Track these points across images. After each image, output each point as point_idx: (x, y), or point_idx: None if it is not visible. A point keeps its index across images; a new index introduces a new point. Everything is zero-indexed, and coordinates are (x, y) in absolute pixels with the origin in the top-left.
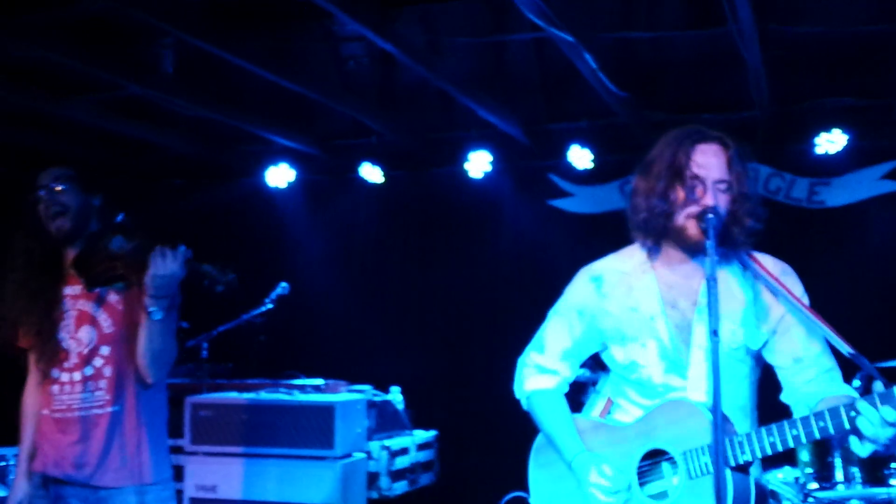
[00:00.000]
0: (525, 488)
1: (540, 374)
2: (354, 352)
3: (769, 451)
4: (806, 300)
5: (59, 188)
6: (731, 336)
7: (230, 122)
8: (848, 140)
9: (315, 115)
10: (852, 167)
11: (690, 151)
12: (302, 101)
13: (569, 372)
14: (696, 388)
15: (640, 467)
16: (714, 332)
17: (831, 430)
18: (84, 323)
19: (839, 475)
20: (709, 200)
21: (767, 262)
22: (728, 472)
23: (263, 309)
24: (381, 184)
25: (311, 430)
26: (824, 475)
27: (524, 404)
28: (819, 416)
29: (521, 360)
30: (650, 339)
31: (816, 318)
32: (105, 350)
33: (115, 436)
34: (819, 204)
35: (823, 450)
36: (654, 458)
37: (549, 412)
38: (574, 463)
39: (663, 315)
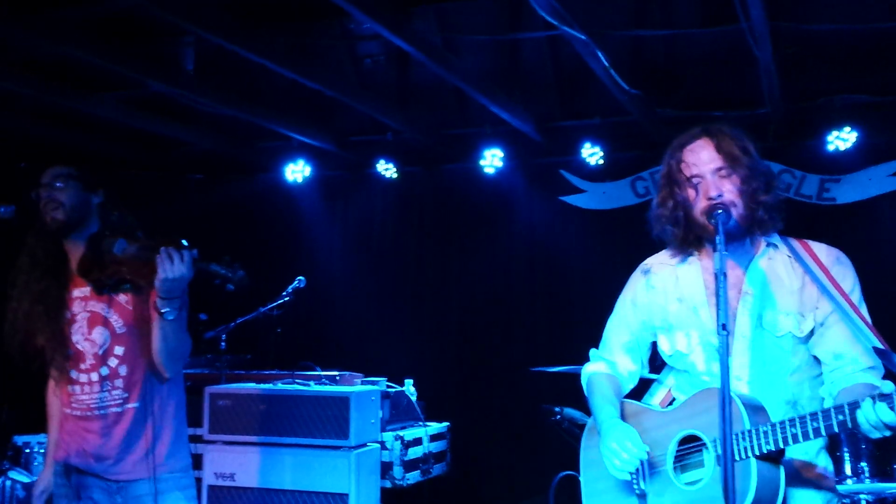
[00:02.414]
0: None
1: (601, 360)
2: (369, 344)
3: (791, 442)
4: (857, 290)
5: (58, 185)
6: (777, 324)
7: (249, 119)
8: (858, 137)
9: (332, 112)
10: (862, 164)
11: (679, 156)
12: (319, 99)
13: (633, 365)
14: (738, 377)
15: (679, 451)
16: (723, 327)
17: (849, 425)
18: (97, 324)
19: (848, 469)
20: (712, 191)
21: (820, 251)
22: (753, 461)
23: (281, 302)
24: (396, 179)
25: (327, 420)
26: (833, 469)
27: (585, 388)
28: (838, 409)
29: (591, 352)
30: (694, 329)
31: (854, 310)
32: (119, 350)
33: (134, 431)
34: (829, 201)
35: (832, 444)
36: (691, 444)
37: (598, 388)
38: (602, 427)
39: (707, 305)
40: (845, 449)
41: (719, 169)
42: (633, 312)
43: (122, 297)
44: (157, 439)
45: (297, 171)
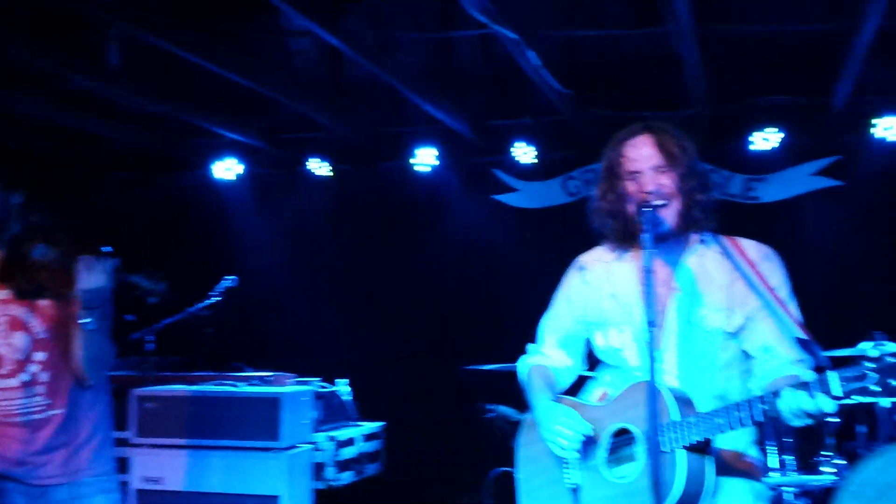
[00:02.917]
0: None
1: (539, 355)
2: (302, 344)
3: (718, 433)
4: (786, 286)
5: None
6: (707, 319)
7: (177, 116)
8: (782, 138)
9: (263, 109)
10: (786, 164)
11: (621, 149)
12: (250, 95)
13: (569, 360)
14: (668, 372)
15: (611, 445)
16: (651, 323)
17: (771, 413)
18: (17, 329)
19: (773, 462)
20: (650, 186)
21: (749, 247)
22: (682, 453)
23: (210, 302)
24: (329, 178)
25: (257, 421)
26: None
27: (524, 381)
28: (762, 398)
29: (528, 347)
30: (627, 325)
31: (781, 305)
32: (40, 355)
33: (56, 437)
34: (754, 200)
35: (758, 436)
36: (622, 437)
37: (536, 381)
38: (541, 413)
39: (639, 302)
40: (771, 442)
41: (658, 166)
42: (569, 309)
43: (44, 302)
44: (80, 445)
45: (227, 169)
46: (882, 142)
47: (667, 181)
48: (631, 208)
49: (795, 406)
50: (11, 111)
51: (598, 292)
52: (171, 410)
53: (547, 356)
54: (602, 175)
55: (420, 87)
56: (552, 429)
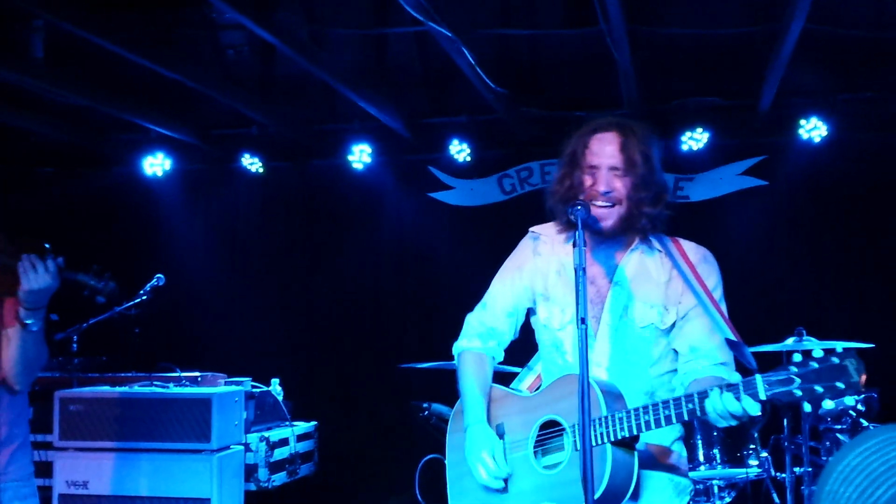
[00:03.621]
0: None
1: (477, 335)
2: (234, 344)
3: (644, 429)
4: (720, 288)
5: None
6: (640, 315)
7: (104, 110)
8: (710, 138)
9: (194, 104)
10: (714, 164)
11: (588, 141)
12: (180, 90)
13: (508, 333)
14: (598, 364)
15: (539, 436)
16: (582, 321)
17: (698, 413)
18: None
19: (701, 456)
20: (602, 186)
21: (689, 248)
22: (609, 447)
23: (138, 301)
24: (262, 174)
25: (187, 423)
26: (687, 456)
27: (455, 360)
28: (688, 398)
29: (467, 318)
30: (569, 307)
31: (715, 306)
32: None
33: None
34: (683, 199)
35: (687, 432)
36: (551, 429)
37: (469, 374)
38: (469, 430)
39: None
40: (698, 437)
41: (615, 168)
42: (520, 277)
43: None
44: None
45: (155, 165)
46: (806, 142)
47: (619, 185)
48: (583, 199)
49: (721, 408)
50: None
51: (547, 265)
52: (96, 412)
53: (489, 329)
54: (564, 161)
55: (354, 84)
56: (478, 455)
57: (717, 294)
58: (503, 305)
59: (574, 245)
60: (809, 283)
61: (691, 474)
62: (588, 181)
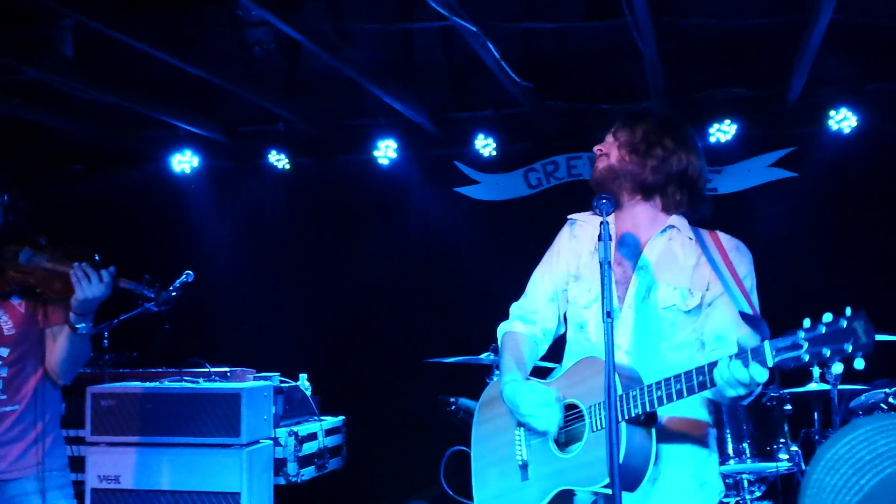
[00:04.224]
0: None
1: (517, 318)
2: (262, 339)
3: (658, 404)
4: (751, 278)
5: None
6: (663, 297)
7: (133, 107)
8: (738, 129)
9: (221, 101)
10: (743, 155)
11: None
12: (207, 87)
13: (552, 320)
14: (619, 346)
15: (564, 420)
16: (607, 314)
17: (709, 384)
18: None
19: (730, 450)
20: (596, 146)
21: (723, 237)
22: (623, 426)
23: (168, 297)
24: (288, 171)
25: (217, 417)
26: (716, 445)
27: (499, 346)
28: (699, 369)
29: (511, 307)
30: (595, 285)
31: (745, 295)
32: (3, 351)
33: (12, 433)
34: (711, 191)
35: (717, 425)
36: (571, 412)
37: (505, 351)
38: (505, 388)
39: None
40: (727, 431)
41: (613, 131)
42: (557, 262)
43: (16, 300)
44: (35, 440)
45: (184, 162)
46: (836, 133)
47: (614, 143)
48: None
49: (729, 375)
50: None
51: (582, 245)
52: (127, 408)
53: (531, 313)
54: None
55: (380, 80)
56: (529, 406)
57: (749, 283)
58: (543, 291)
59: (599, 239)
60: (840, 274)
61: (720, 469)
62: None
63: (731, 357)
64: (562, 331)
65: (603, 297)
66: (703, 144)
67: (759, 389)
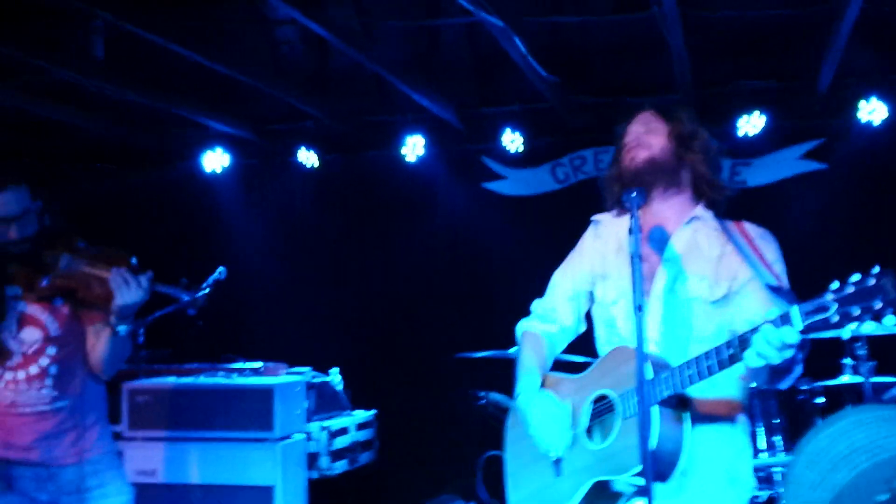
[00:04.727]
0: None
1: (536, 317)
2: (293, 334)
3: (689, 384)
4: (780, 263)
5: (10, 214)
6: (689, 288)
7: (164, 107)
8: (767, 121)
9: (250, 99)
10: (772, 147)
11: (627, 125)
12: (236, 85)
13: (570, 318)
14: (650, 339)
15: (592, 412)
16: (639, 308)
17: (739, 356)
18: (29, 325)
19: (762, 443)
20: (630, 137)
21: (749, 226)
22: (656, 409)
23: (200, 294)
24: (317, 168)
25: (251, 412)
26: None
27: (517, 344)
28: (729, 343)
29: (532, 304)
30: (622, 281)
31: (774, 276)
32: (51, 350)
33: (63, 427)
34: (740, 184)
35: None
36: (602, 403)
37: (524, 351)
38: (519, 399)
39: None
40: (759, 423)
41: (649, 123)
42: (580, 261)
43: (59, 302)
44: (86, 427)
45: (214, 160)
46: (866, 124)
47: (654, 134)
48: (621, 172)
49: (760, 341)
50: None
51: (606, 245)
52: (163, 403)
53: (550, 311)
54: (615, 151)
55: (406, 76)
56: (538, 425)
57: (778, 268)
58: (563, 290)
59: (630, 231)
60: (869, 267)
61: (753, 462)
62: (626, 157)
63: (759, 327)
64: (582, 330)
65: (634, 291)
66: (732, 137)
67: (796, 372)
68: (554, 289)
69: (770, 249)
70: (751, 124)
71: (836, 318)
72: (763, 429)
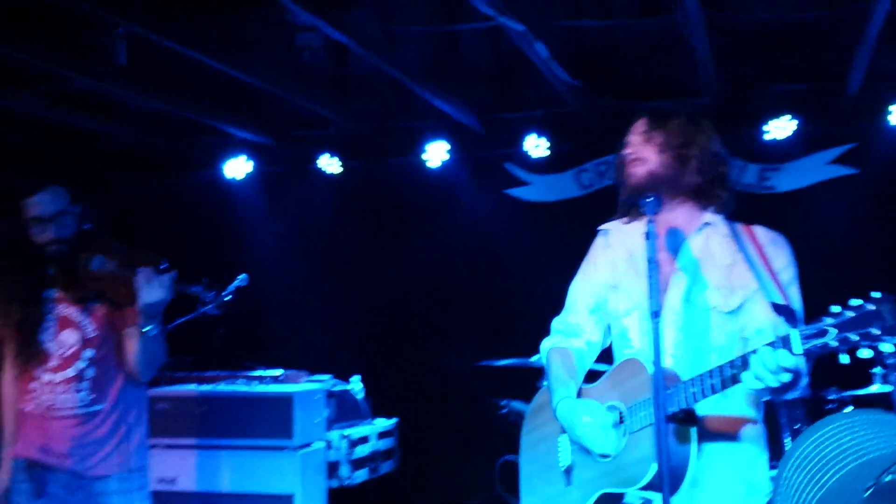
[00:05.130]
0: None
1: (560, 333)
2: (314, 342)
3: (693, 400)
4: (790, 271)
5: (55, 218)
6: (704, 299)
7: (186, 114)
8: (797, 126)
9: (271, 106)
10: (801, 152)
11: (625, 138)
12: (257, 92)
13: (597, 331)
14: (665, 351)
15: None
16: (655, 314)
17: (740, 376)
18: (67, 327)
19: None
20: (627, 149)
21: (759, 232)
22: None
23: (222, 301)
24: (339, 174)
25: (270, 420)
26: (774, 453)
27: (544, 364)
28: (732, 362)
29: (552, 322)
30: (634, 293)
31: (778, 287)
32: (88, 353)
33: (99, 432)
34: (769, 189)
35: (775, 428)
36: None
37: (555, 366)
38: (558, 408)
39: (644, 274)
40: (786, 433)
41: (644, 132)
42: (596, 273)
43: (94, 304)
44: (123, 439)
45: (236, 167)
46: None
47: (649, 144)
48: (625, 186)
49: (758, 364)
50: (13, 111)
51: (616, 253)
52: (183, 411)
53: (574, 327)
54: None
55: (428, 81)
56: (583, 422)
57: (786, 276)
58: (584, 303)
59: (647, 237)
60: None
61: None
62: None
63: (760, 349)
64: (608, 342)
65: (651, 296)
66: (760, 141)
67: (802, 384)
68: (574, 303)
69: (780, 256)
70: (779, 128)
71: (834, 344)
72: (789, 438)
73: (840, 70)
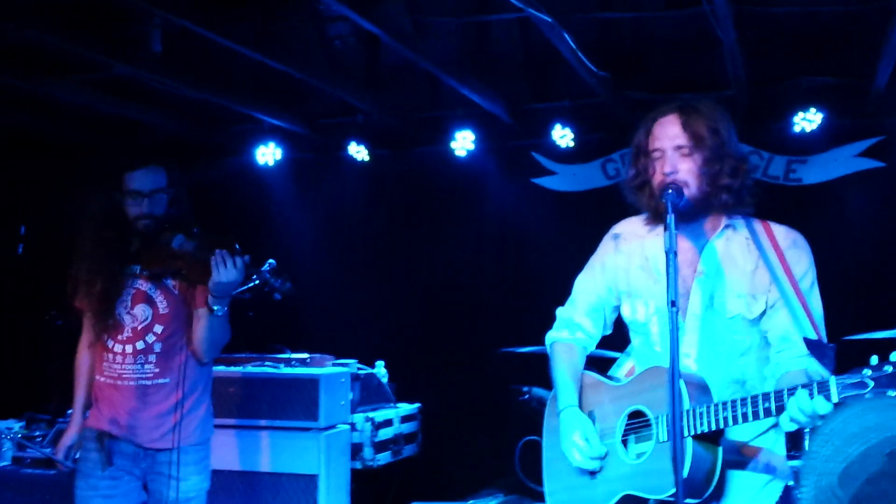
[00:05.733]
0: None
1: (565, 327)
2: (341, 327)
3: (723, 425)
4: (810, 275)
5: (154, 196)
6: (727, 306)
7: (219, 102)
8: (824, 118)
9: (303, 95)
10: (829, 145)
11: (650, 127)
12: (289, 81)
13: (594, 328)
14: (687, 354)
15: (627, 425)
16: (672, 303)
17: (773, 412)
18: (141, 301)
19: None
20: (667, 167)
21: (779, 232)
22: (689, 441)
23: (251, 285)
24: (367, 162)
25: (296, 402)
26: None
27: (548, 350)
28: (765, 396)
29: (557, 311)
30: (652, 299)
31: (799, 297)
32: (158, 328)
33: (163, 404)
34: (796, 181)
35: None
36: (640, 419)
37: (559, 362)
38: (561, 415)
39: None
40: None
41: (680, 147)
42: (602, 275)
43: (171, 282)
44: (186, 414)
45: (267, 154)
46: None
47: (688, 164)
48: (652, 186)
49: (794, 408)
50: (52, 99)
51: (629, 262)
52: (213, 391)
53: (574, 324)
54: (633, 152)
55: (457, 72)
56: (571, 439)
57: (806, 283)
58: (587, 302)
59: (665, 229)
60: None
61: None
62: (653, 167)
63: (796, 390)
64: (608, 333)
65: (668, 287)
66: (788, 133)
67: (819, 422)
68: (576, 300)
69: (801, 261)
70: (807, 121)
71: (869, 396)
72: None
73: (868, 63)
